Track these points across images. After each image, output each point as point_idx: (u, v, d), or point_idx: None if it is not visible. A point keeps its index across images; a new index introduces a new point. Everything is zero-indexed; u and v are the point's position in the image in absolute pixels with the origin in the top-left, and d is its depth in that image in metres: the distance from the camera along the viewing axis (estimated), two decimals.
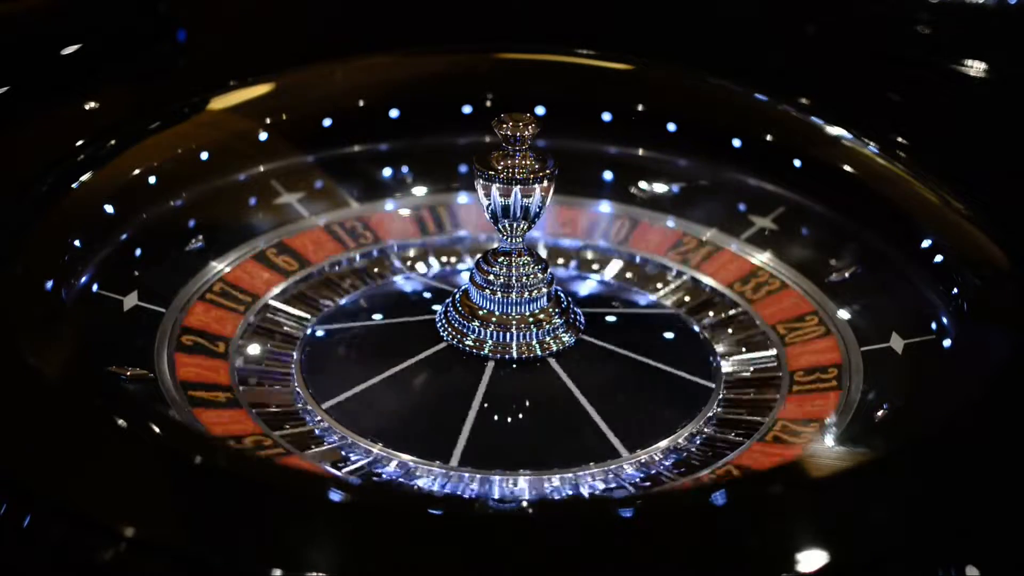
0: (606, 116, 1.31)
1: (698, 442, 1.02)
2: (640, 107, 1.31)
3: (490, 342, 1.06)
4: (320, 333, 1.11)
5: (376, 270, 1.21)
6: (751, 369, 1.09)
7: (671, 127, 1.29)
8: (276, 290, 1.16)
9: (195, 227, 1.18)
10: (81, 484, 0.82)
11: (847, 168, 1.21)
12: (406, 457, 0.98)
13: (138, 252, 1.13)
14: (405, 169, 1.30)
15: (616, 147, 1.31)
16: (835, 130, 1.24)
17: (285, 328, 1.12)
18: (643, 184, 1.29)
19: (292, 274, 1.18)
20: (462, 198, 1.28)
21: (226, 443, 0.97)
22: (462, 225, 1.26)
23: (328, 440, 1.00)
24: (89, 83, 1.24)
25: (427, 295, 1.18)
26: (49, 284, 1.02)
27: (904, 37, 1.40)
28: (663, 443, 1.01)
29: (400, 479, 0.97)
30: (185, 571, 0.77)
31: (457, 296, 1.09)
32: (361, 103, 1.31)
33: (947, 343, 1.04)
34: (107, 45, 1.30)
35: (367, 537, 0.80)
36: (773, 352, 1.10)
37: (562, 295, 1.09)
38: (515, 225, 1.06)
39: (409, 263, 1.22)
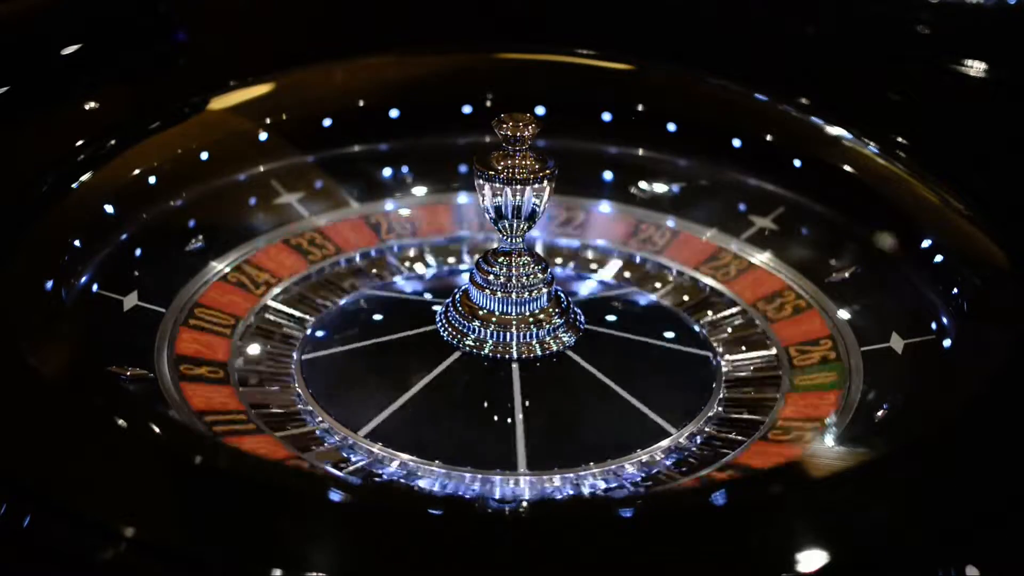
0: (606, 116, 1.31)
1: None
2: (640, 107, 1.31)
3: (490, 342, 1.06)
4: (320, 334, 1.11)
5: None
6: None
7: (671, 127, 1.29)
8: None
9: (195, 227, 1.18)
10: (81, 484, 0.82)
11: (847, 168, 1.21)
12: (405, 457, 0.98)
13: (138, 252, 1.13)
14: (405, 169, 1.30)
15: (616, 147, 1.31)
16: (835, 130, 1.24)
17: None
18: (643, 184, 1.29)
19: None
20: (462, 198, 1.28)
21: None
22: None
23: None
24: (89, 83, 1.24)
25: (427, 295, 1.18)
26: (49, 284, 1.02)
27: (904, 37, 1.40)
28: (664, 443, 1.01)
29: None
30: (185, 571, 0.77)
31: (457, 296, 1.09)
32: (361, 103, 1.31)
33: (947, 343, 1.04)
34: (107, 45, 1.30)
35: (367, 537, 0.80)
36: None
37: (562, 295, 1.09)
38: (515, 225, 1.06)
39: (409, 263, 1.22)
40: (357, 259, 1.21)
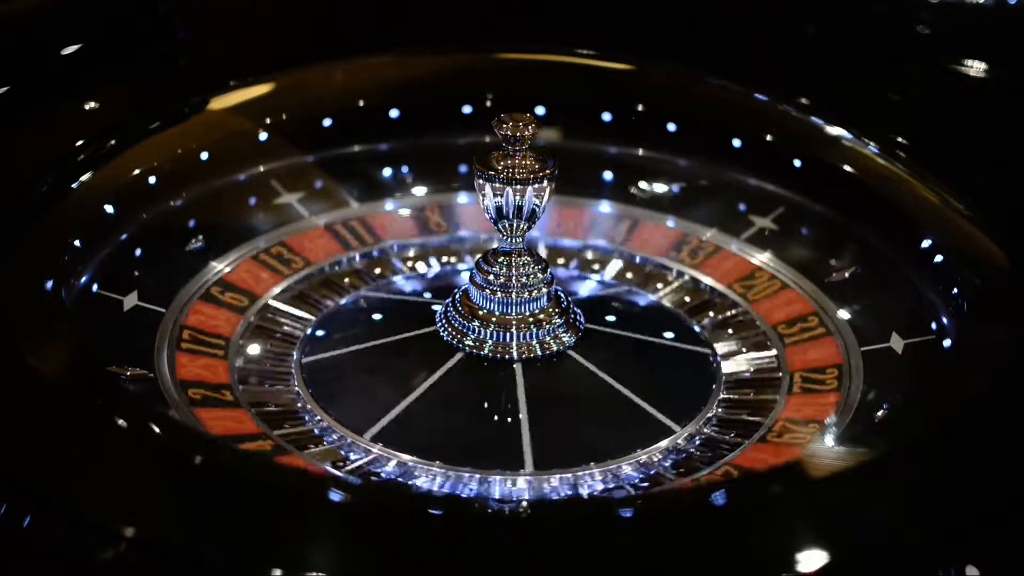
0: (606, 116, 1.31)
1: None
2: (640, 107, 1.31)
3: (490, 342, 1.06)
4: (320, 333, 1.11)
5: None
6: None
7: (671, 127, 1.29)
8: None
9: (195, 227, 1.18)
10: (81, 484, 0.82)
11: (847, 168, 1.21)
12: (405, 457, 0.98)
13: (138, 252, 1.13)
14: (405, 169, 1.30)
15: (616, 147, 1.31)
16: (835, 130, 1.24)
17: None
18: (643, 184, 1.29)
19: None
20: (462, 198, 1.28)
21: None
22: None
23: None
24: (89, 83, 1.24)
25: (427, 295, 1.18)
26: (49, 284, 1.02)
27: (904, 37, 1.40)
28: (663, 443, 1.00)
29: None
30: (185, 571, 0.77)
31: (457, 296, 1.09)
32: (361, 103, 1.31)
33: (947, 343, 1.04)
34: (107, 45, 1.30)
35: (367, 537, 0.80)
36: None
37: (562, 295, 1.09)
38: (515, 225, 1.06)
39: (409, 263, 1.22)
40: (357, 259, 1.21)
